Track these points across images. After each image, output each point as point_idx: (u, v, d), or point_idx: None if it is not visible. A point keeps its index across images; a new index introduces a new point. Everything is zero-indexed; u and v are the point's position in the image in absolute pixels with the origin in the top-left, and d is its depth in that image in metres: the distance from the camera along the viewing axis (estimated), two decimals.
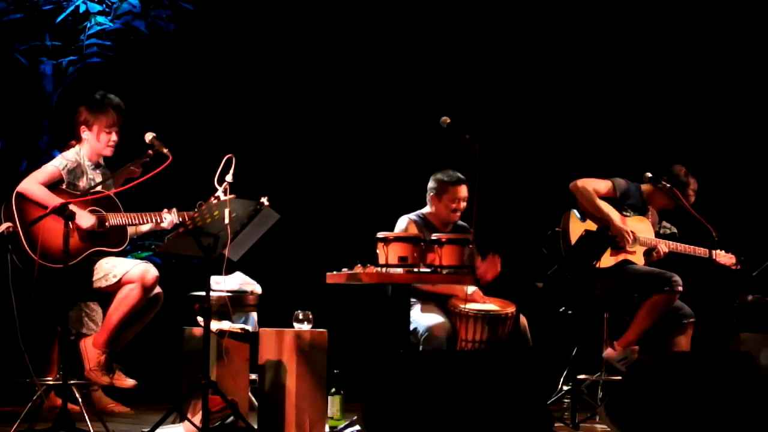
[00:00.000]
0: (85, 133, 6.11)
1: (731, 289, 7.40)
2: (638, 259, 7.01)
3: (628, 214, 7.05)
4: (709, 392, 5.29)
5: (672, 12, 9.01)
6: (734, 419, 5.28)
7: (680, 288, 6.83)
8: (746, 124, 8.93)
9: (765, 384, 5.42)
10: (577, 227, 6.88)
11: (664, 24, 9.02)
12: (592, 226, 6.89)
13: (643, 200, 7.14)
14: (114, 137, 6.13)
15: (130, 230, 6.11)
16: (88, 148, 6.12)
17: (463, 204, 6.66)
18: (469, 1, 9.00)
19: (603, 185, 7.05)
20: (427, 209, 6.74)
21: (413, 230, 6.53)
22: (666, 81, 9.04)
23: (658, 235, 7.15)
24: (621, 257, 6.95)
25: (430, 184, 6.72)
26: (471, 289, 6.49)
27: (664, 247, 7.06)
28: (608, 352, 7.00)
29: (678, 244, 7.14)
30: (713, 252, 7.01)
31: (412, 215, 6.71)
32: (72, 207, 5.80)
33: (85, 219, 5.88)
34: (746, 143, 8.90)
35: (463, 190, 6.64)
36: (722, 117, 8.98)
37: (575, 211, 7.01)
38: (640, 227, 7.03)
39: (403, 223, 6.65)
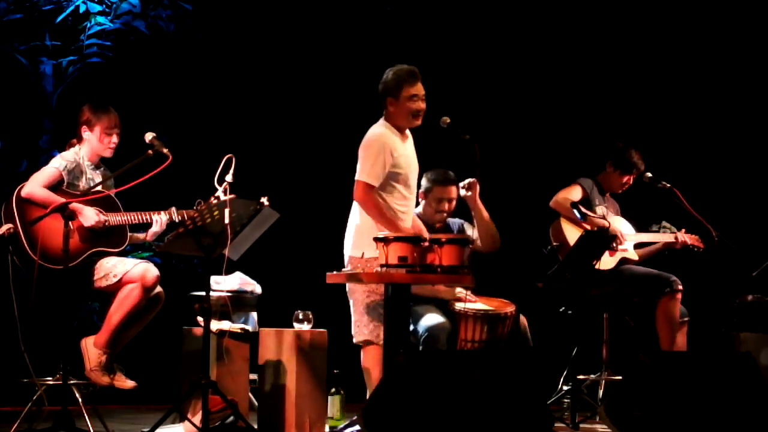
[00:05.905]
0: (86, 133, 6.10)
1: (731, 289, 7.40)
2: (632, 254, 7.02)
3: (602, 210, 7.03)
4: (709, 392, 5.29)
5: (672, 13, 9.02)
6: (734, 419, 5.28)
7: (680, 287, 6.87)
8: (746, 124, 8.93)
9: (765, 384, 5.42)
10: (573, 233, 6.85)
11: (665, 24, 9.03)
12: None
13: (603, 189, 7.14)
14: (115, 139, 6.12)
15: (136, 237, 6.14)
16: (88, 148, 6.11)
17: (448, 205, 6.50)
18: (469, 1, 9.00)
19: (575, 192, 7.00)
20: (421, 207, 6.69)
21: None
22: (667, 81, 9.04)
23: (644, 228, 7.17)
24: (618, 257, 6.96)
25: (422, 181, 6.62)
26: (459, 288, 6.42)
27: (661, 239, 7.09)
28: None
29: (641, 234, 7.14)
30: (677, 234, 7.03)
31: None
32: (76, 205, 5.81)
33: (88, 216, 5.87)
34: (746, 143, 8.90)
35: (449, 191, 6.48)
36: (722, 117, 8.97)
37: (561, 219, 6.98)
38: (615, 223, 7.03)
39: None
